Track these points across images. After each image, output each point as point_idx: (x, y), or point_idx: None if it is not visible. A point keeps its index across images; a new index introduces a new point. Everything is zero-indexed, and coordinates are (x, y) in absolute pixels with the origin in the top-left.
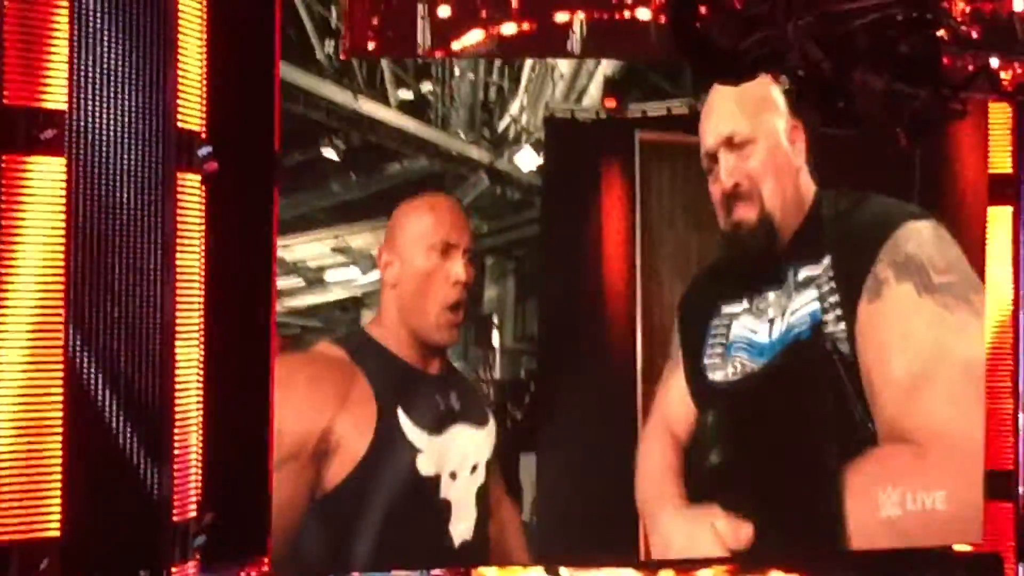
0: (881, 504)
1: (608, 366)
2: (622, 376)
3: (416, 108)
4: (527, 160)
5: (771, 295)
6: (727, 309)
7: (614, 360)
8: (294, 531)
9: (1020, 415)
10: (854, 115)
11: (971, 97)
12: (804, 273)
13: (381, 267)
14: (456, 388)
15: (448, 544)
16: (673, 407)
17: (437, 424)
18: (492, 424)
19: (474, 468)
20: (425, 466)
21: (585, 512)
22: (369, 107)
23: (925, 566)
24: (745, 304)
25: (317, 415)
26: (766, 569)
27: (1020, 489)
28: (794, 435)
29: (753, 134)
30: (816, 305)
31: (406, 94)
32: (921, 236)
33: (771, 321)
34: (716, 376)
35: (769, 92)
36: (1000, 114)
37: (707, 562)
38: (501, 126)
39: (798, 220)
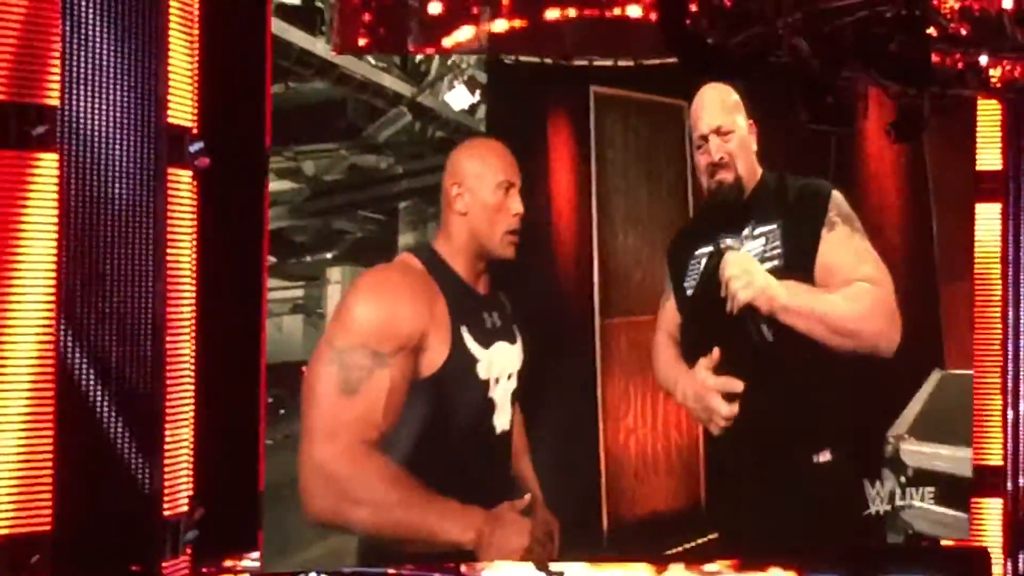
0: (870, 499)
1: (567, 307)
2: (581, 315)
3: (304, 18)
4: (459, 98)
5: (730, 240)
6: (700, 252)
7: (571, 301)
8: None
9: (1009, 411)
10: (842, 112)
11: (960, 94)
12: (759, 229)
13: (452, 198)
14: (497, 308)
15: (492, 430)
16: (668, 319)
17: (487, 338)
18: (520, 341)
19: (509, 376)
20: (482, 371)
21: (550, 459)
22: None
23: (912, 560)
24: (712, 248)
25: (418, 317)
26: (766, 566)
27: (1009, 485)
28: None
29: (732, 127)
30: (762, 248)
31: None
32: (841, 199)
33: None
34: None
35: (734, 95)
36: (989, 111)
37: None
38: (420, 56)
39: (751, 185)
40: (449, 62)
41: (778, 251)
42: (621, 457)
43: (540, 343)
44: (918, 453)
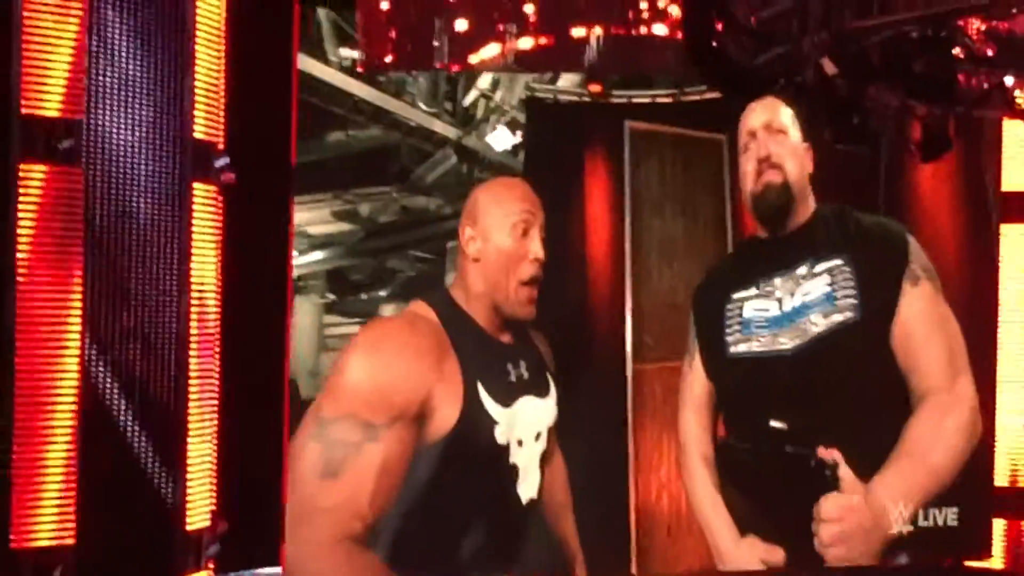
0: (893, 519)
1: (598, 351)
2: (612, 360)
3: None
4: (501, 140)
5: (777, 280)
6: (737, 295)
7: (602, 345)
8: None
9: None
10: (868, 132)
11: (985, 115)
12: (818, 266)
13: (464, 242)
14: (525, 358)
15: (516, 501)
16: (697, 395)
17: (509, 395)
18: (553, 393)
19: (538, 436)
20: (500, 436)
21: (578, 513)
22: (307, 63)
23: None
24: (754, 290)
25: (422, 377)
26: None
27: None
28: (851, 400)
29: (785, 127)
30: (828, 290)
31: (351, 53)
32: (919, 248)
33: (779, 300)
34: (739, 348)
35: (792, 113)
36: (1015, 131)
37: None
38: (467, 100)
39: (806, 213)
40: (493, 104)
41: (852, 298)
42: (653, 513)
43: (572, 392)
44: None
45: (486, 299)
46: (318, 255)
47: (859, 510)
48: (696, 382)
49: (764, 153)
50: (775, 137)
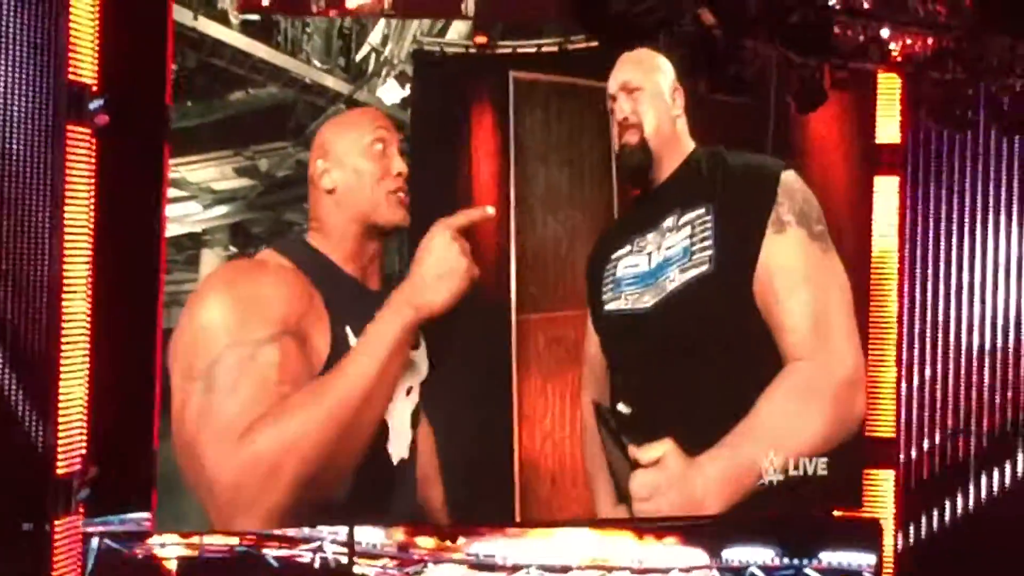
0: (764, 469)
1: (482, 302)
2: (496, 310)
3: (262, 31)
4: (391, 93)
5: (649, 235)
6: (615, 255)
7: (487, 293)
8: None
9: (903, 383)
10: (744, 82)
11: (860, 67)
12: (684, 217)
13: (316, 176)
14: None
15: (387, 462)
16: (589, 358)
17: None
18: (424, 345)
19: (409, 391)
20: None
21: (461, 462)
22: (210, 27)
23: (805, 531)
24: (628, 248)
25: (289, 303)
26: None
27: (901, 456)
28: (700, 365)
29: (642, 83)
30: (687, 243)
31: (251, 15)
32: (798, 186)
33: (649, 255)
34: (610, 307)
35: (659, 59)
36: (889, 84)
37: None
38: (359, 55)
39: (676, 162)
40: (383, 58)
41: (708, 249)
42: (537, 463)
43: (450, 342)
44: None
45: (351, 228)
46: (221, 209)
47: (672, 487)
48: (590, 341)
49: (621, 116)
50: (631, 96)
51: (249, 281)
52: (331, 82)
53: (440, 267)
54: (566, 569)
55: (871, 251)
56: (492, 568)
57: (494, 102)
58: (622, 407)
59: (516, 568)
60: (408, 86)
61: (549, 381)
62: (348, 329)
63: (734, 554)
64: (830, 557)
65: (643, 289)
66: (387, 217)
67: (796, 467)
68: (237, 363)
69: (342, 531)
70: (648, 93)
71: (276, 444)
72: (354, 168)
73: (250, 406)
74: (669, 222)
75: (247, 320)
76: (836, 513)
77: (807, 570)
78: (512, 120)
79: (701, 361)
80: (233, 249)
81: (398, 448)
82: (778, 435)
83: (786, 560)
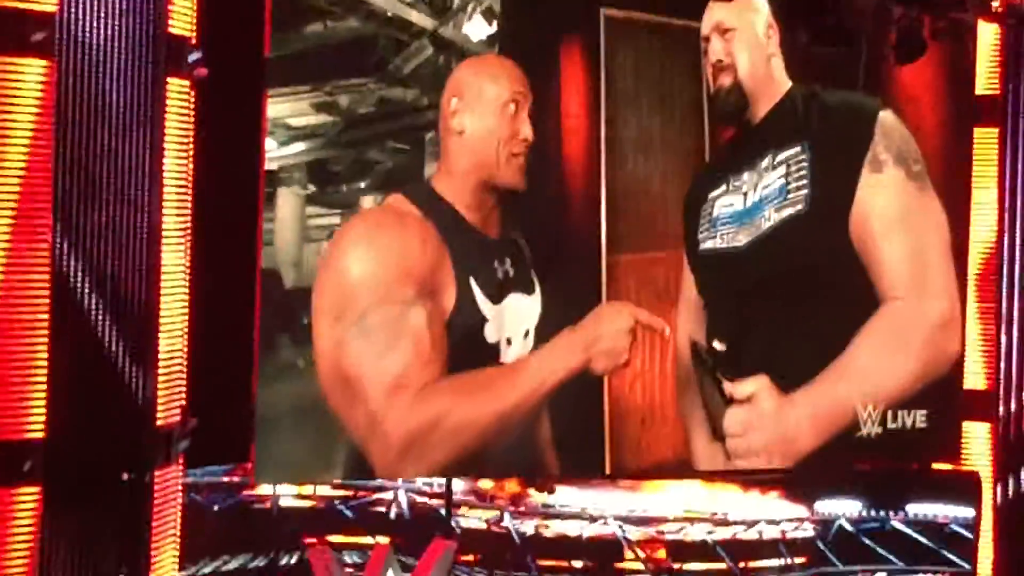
0: (862, 420)
1: (573, 244)
2: (587, 252)
3: None
4: (477, 29)
5: (745, 174)
6: (711, 195)
7: (577, 237)
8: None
9: (1002, 336)
10: (845, 32)
11: (961, 18)
12: (780, 155)
13: (448, 114)
14: (509, 253)
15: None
16: (685, 296)
17: (498, 292)
18: (538, 290)
19: (526, 334)
20: (491, 334)
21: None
22: None
23: (899, 484)
24: (723, 187)
25: (423, 260)
26: (748, 485)
27: (1001, 409)
28: (795, 304)
29: (735, 24)
30: (783, 182)
31: None
32: (896, 125)
33: (745, 195)
34: (706, 246)
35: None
36: (989, 36)
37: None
38: None
39: (771, 102)
40: None
41: (804, 189)
42: (627, 403)
43: (549, 286)
44: None
45: (472, 177)
46: (298, 147)
47: (765, 424)
48: (686, 279)
49: (714, 58)
50: (725, 37)
51: (391, 235)
52: (415, 16)
53: (615, 340)
54: (660, 520)
55: (970, 203)
56: (581, 518)
57: (584, 40)
58: (717, 344)
59: (603, 518)
60: (495, 23)
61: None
62: (472, 281)
63: (825, 507)
64: (917, 509)
65: (738, 228)
66: (505, 178)
67: (895, 419)
68: (392, 321)
69: (425, 482)
70: (742, 34)
71: (453, 418)
72: (485, 120)
73: (414, 364)
74: (765, 161)
75: (393, 278)
76: (934, 467)
77: (893, 522)
78: (603, 58)
79: (796, 299)
80: (312, 188)
81: None
82: (871, 374)
83: (873, 512)
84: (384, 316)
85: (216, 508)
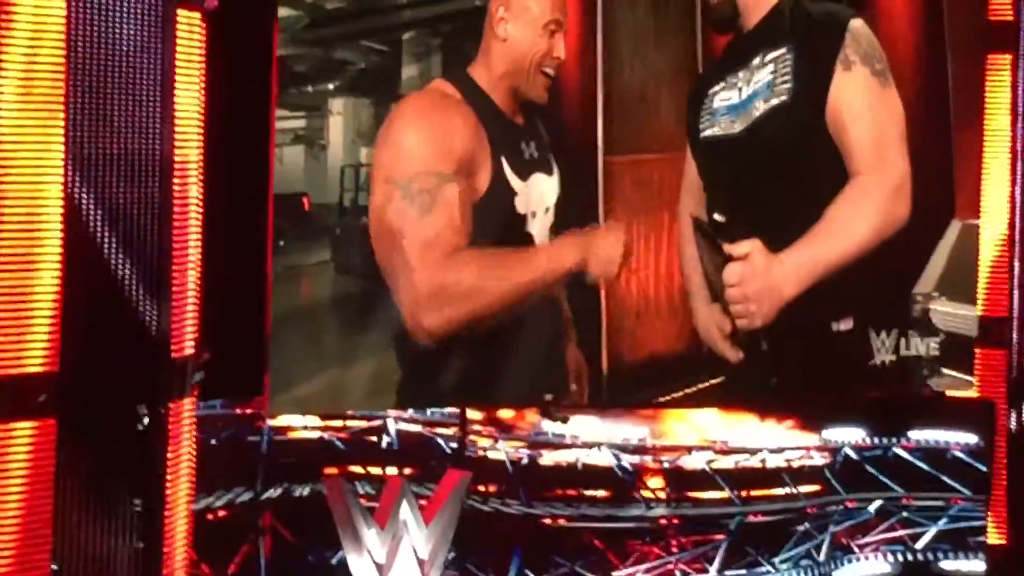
0: (876, 349)
1: (570, 142)
2: (584, 150)
3: None
4: None
5: (740, 72)
6: (711, 91)
7: (575, 135)
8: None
9: (1016, 263)
10: None
11: None
12: (768, 56)
13: (495, 20)
14: (534, 138)
15: None
16: (688, 180)
17: (525, 170)
18: (556, 172)
19: (547, 209)
20: (521, 206)
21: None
22: None
23: (918, 411)
24: (722, 84)
25: (468, 136)
26: (773, 417)
27: (1014, 336)
28: (782, 181)
29: None
30: (771, 77)
31: None
32: (864, 31)
33: (739, 89)
34: (706, 134)
35: None
36: None
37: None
38: None
39: (762, 12)
40: None
41: (787, 84)
42: (623, 298)
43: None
44: (950, 315)
45: (507, 80)
46: None
47: (757, 275)
48: (689, 166)
49: None
50: None
51: (439, 115)
52: None
53: (613, 248)
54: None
55: (984, 129)
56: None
57: None
58: (717, 216)
59: (589, 445)
60: None
61: (635, 221)
62: (503, 160)
63: (831, 435)
64: (919, 435)
65: (735, 118)
66: (534, 92)
67: (908, 347)
68: (430, 190)
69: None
70: None
71: (474, 281)
72: (526, 34)
73: (446, 230)
74: (756, 60)
75: (437, 153)
76: (949, 393)
77: (896, 449)
78: None
79: (783, 177)
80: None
81: None
82: (840, 231)
83: (875, 440)
84: (426, 184)
85: (213, 442)
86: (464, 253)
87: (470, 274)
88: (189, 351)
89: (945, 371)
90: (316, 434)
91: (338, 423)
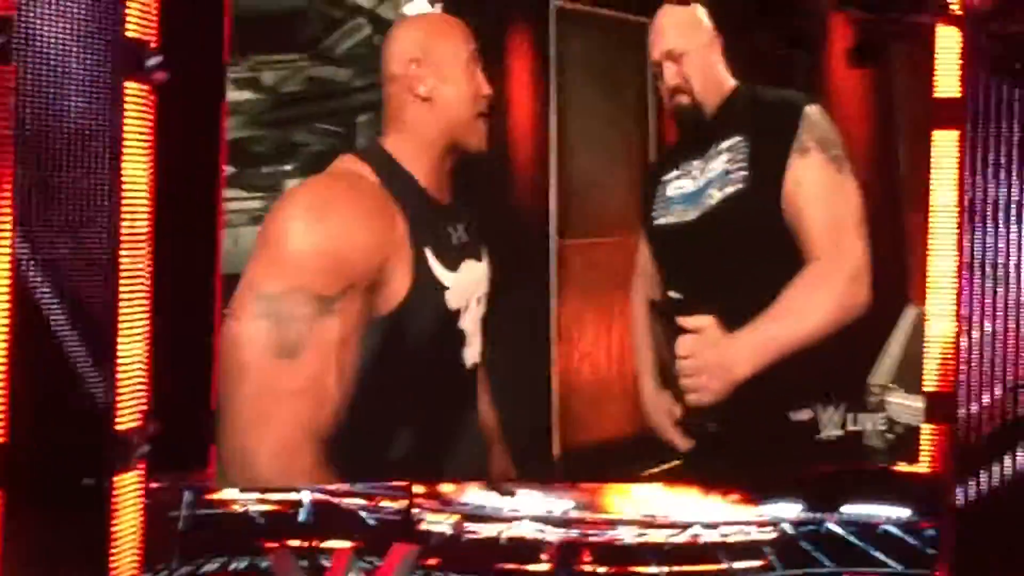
0: (823, 425)
1: (522, 226)
2: (536, 234)
3: None
4: (418, 10)
5: (695, 161)
6: (664, 178)
7: (526, 219)
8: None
9: (961, 338)
10: (804, 35)
11: (920, 20)
12: (723, 144)
13: (410, 79)
14: (462, 219)
15: (462, 367)
16: (640, 265)
17: (454, 259)
18: (486, 256)
19: (479, 300)
20: (452, 301)
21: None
22: None
23: (865, 485)
24: (677, 172)
25: (375, 244)
26: (723, 492)
27: (961, 411)
28: (737, 265)
29: (685, 48)
30: (726, 166)
31: None
32: (819, 117)
33: (695, 178)
34: (660, 221)
35: (698, 14)
36: (948, 38)
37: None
38: None
39: (718, 101)
40: None
41: (743, 171)
42: (575, 381)
43: (500, 262)
44: (907, 407)
45: (439, 143)
46: None
47: (709, 348)
48: (642, 252)
49: (671, 83)
50: (678, 62)
51: (341, 208)
52: None
53: None
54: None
55: (929, 206)
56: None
57: (533, 29)
58: (672, 294)
59: (512, 518)
60: (438, 5)
61: (587, 303)
62: (429, 251)
63: (769, 509)
64: (852, 510)
65: (689, 206)
66: (473, 140)
67: (855, 422)
68: (302, 320)
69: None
70: (693, 55)
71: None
72: (454, 81)
73: (311, 388)
74: (712, 149)
75: (326, 264)
76: (897, 468)
77: (828, 524)
78: (553, 48)
79: (738, 261)
80: (230, 168)
81: (471, 353)
82: (796, 314)
83: (811, 515)
84: (298, 310)
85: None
86: (304, 459)
87: (292, 479)
88: (135, 423)
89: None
90: (239, 507)
91: (253, 495)
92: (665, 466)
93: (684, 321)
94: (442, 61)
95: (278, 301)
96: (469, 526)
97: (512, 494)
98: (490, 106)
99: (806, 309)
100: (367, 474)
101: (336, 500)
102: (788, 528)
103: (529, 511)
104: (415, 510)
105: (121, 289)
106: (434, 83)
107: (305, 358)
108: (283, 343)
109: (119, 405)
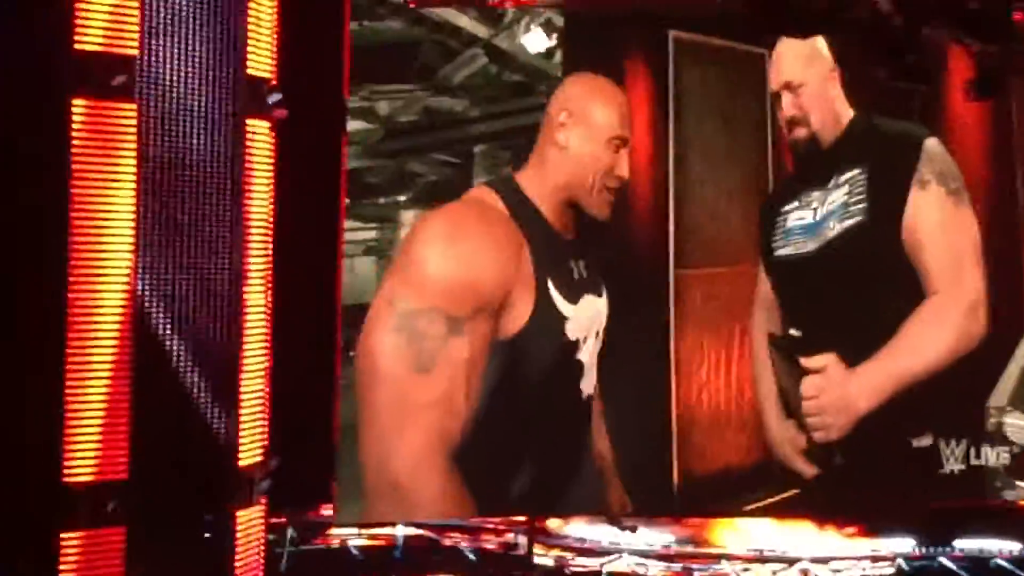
0: (945, 459)
1: (641, 257)
2: (655, 265)
3: None
4: (535, 42)
5: (815, 193)
6: (784, 208)
7: (645, 251)
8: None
9: None
10: (923, 70)
11: None
12: (843, 176)
13: (556, 124)
14: (584, 255)
15: (579, 396)
16: (760, 296)
17: (575, 292)
18: (606, 292)
19: (597, 334)
20: (572, 332)
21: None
22: None
23: (987, 521)
24: (796, 203)
25: (503, 270)
26: (840, 525)
27: None
28: (856, 298)
29: (804, 79)
30: (846, 198)
31: None
32: (939, 150)
33: (815, 210)
34: (779, 253)
35: (817, 45)
36: None
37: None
38: None
39: (836, 132)
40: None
41: (862, 203)
42: (693, 412)
43: (618, 295)
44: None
45: (562, 192)
46: None
47: (833, 388)
48: (762, 282)
49: (789, 114)
50: (796, 93)
51: (473, 234)
52: (465, 23)
53: None
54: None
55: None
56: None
57: (650, 60)
58: (793, 331)
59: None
60: (555, 36)
61: (705, 334)
62: (550, 282)
63: (885, 543)
64: (966, 545)
65: (808, 238)
66: (594, 207)
67: (978, 456)
68: (434, 339)
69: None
70: (811, 87)
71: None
72: (590, 145)
73: (442, 402)
74: (831, 182)
75: (458, 286)
76: (1016, 503)
77: (941, 559)
78: (671, 80)
79: (857, 294)
80: (346, 199)
81: (587, 384)
82: (916, 348)
83: (924, 550)
84: (431, 328)
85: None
86: (440, 475)
87: (429, 500)
88: (257, 459)
89: (1018, 483)
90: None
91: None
92: (783, 495)
93: (807, 362)
94: (588, 123)
95: (414, 317)
96: (571, 559)
97: (634, 530)
98: (621, 189)
99: (925, 343)
100: (492, 508)
101: (433, 535)
102: (903, 564)
103: (631, 545)
104: (520, 542)
105: (244, 325)
106: (574, 139)
107: (438, 374)
108: (418, 358)
109: (241, 441)
